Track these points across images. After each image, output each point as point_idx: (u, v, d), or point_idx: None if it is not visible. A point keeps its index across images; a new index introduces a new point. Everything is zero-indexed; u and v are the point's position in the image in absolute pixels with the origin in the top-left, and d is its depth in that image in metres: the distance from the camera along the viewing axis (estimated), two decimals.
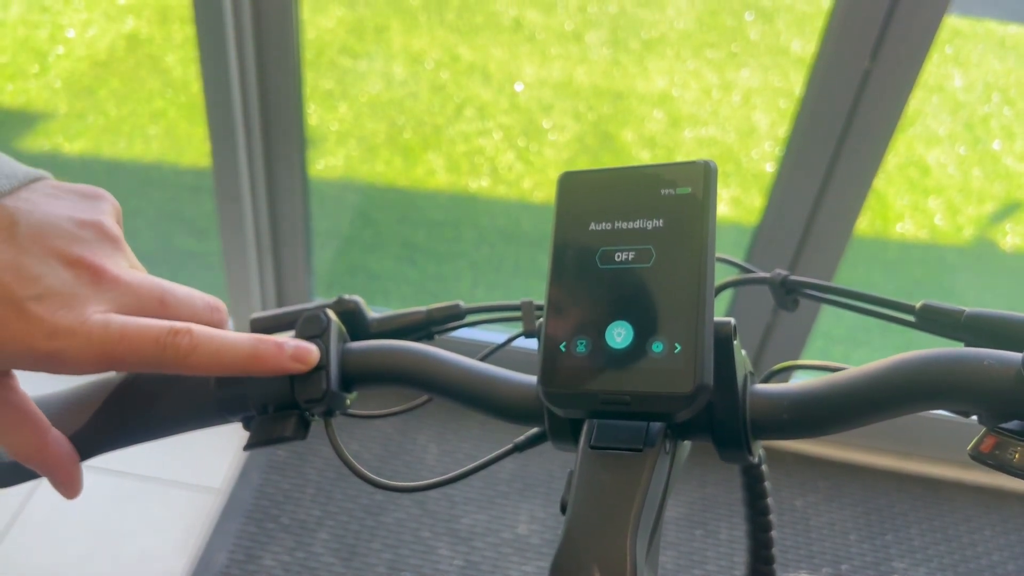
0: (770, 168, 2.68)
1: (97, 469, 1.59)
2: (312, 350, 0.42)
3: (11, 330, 0.34)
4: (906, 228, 2.52)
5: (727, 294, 1.65)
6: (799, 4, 3.52)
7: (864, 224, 2.51)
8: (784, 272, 0.50)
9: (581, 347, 0.38)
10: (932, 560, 1.55)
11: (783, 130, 2.81)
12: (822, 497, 1.65)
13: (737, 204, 2.52)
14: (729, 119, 2.89)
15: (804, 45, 3.24)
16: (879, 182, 2.64)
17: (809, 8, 3.49)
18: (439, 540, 1.51)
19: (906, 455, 1.73)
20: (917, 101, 3.04)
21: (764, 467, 0.54)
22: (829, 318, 2.06)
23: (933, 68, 3.22)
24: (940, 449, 1.71)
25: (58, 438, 0.42)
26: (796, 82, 3.03)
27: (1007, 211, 2.64)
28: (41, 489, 1.55)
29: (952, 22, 3.48)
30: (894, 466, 1.71)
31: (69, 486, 0.43)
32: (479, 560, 1.49)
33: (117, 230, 0.40)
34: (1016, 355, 0.34)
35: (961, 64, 3.30)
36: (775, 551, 0.56)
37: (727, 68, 3.13)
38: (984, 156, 2.83)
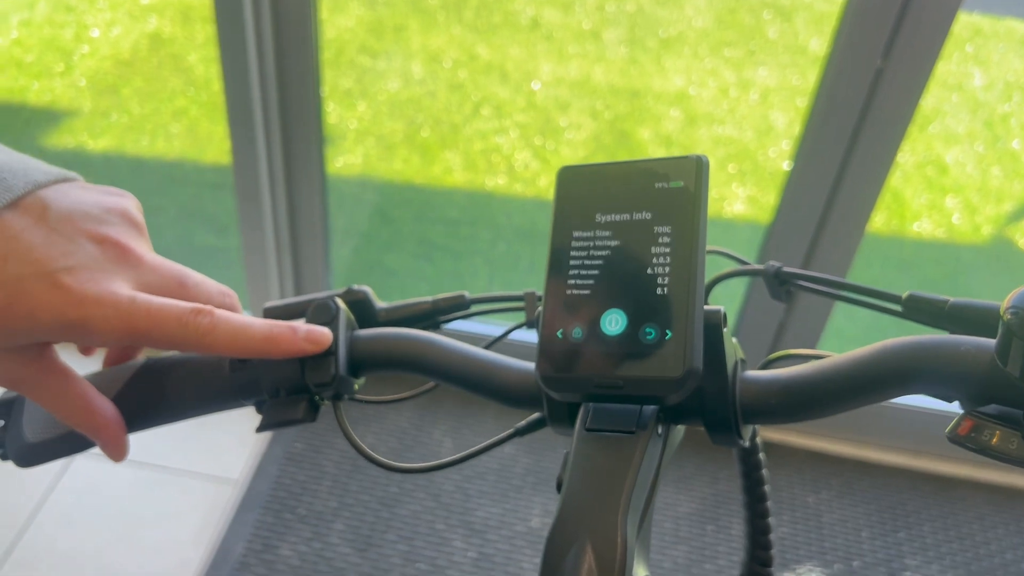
0: (787, 166, 2.67)
1: None
2: (325, 332, 0.44)
3: (43, 300, 0.37)
4: (923, 227, 2.51)
5: (739, 293, 1.65)
6: (817, 2, 3.50)
7: (881, 223, 2.50)
8: (777, 264, 0.51)
9: (577, 333, 0.40)
10: (945, 558, 1.56)
11: (800, 128, 2.81)
12: (834, 494, 1.65)
13: (754, 203, 2.52)
14: (746, 118, 2.89)
15: (822, 43, 3.23)
16: (896, 180, 2.63)
17: (827, 7, 3.48)
18: (453, 532, 1.53)
19: (919, 452, 1.73)
20: (935, 100, 3.02)
21: (762, 454, 0.56)
22: (842, 318, 2.06)
23: (953, 67, 3.20)
24: (953, 447, 1.70)
25: (104, 401, 0.44)
26: (814, 81, 3.02)
27: None
28: (64, 478, 1.58)
29: (973, 20, 3.46)
30: (907, 463, 1.71)
31: (117, 447, 0.44)
32: (492, 552, 1.51)
33: (141, 218, 0.43)
34: (992, 341, 0.35)
35: (981, 63, 3.27)
36: (772, 536, 0.57)
37: (745, 67, 3.13)
38: (1003, 155, 2.81)
